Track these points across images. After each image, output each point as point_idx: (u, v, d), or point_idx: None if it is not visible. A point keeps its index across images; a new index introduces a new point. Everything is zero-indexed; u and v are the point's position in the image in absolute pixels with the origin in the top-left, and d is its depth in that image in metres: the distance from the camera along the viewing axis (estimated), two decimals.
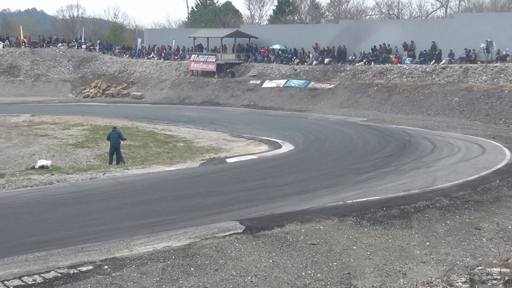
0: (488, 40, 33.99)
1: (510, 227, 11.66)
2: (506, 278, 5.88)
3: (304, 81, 41.29)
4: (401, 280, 8.84)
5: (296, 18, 68.06)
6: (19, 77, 51.91)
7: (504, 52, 33.63)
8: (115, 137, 20.09)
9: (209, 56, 48.04)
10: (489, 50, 34.23)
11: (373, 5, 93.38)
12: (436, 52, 36.92)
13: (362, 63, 40.33)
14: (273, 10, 70.24)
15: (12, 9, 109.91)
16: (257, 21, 73.89)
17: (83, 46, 57.28)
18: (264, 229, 11.03)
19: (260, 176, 16.83)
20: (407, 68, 37.21)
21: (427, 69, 35.94)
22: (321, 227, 11.29)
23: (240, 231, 10.91)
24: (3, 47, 54.70)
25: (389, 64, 38.62)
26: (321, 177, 16.52)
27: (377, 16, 65.71)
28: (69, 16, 79.53)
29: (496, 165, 18.09)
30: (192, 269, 9.03)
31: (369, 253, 9.95)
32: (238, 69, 46.84)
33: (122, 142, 20.82)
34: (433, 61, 36.57)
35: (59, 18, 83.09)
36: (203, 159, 20.13)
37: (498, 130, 26.70)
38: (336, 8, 70.35)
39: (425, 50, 37.73)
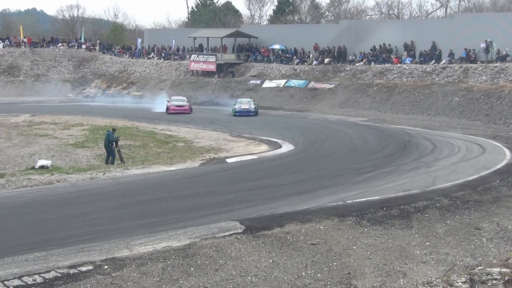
0: (488, 40, 34.00)
1: (510, 227, 11.65)
2: (506, 278, 5.88)
3: (304, 81, 41.30)
4: (401, 280, 8.84)
5: (296, 18, 68.04)
6: (19, 77, 51.93)
7: (504, 52, 33.64)
8: (105, 139, 20.44)
9: (209, 56, 48.05)
10: (489, 50, 34.24)
11: (373, 5, 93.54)
12: (436, 52, 36.93)
13: (362, 63, 40.34)
14: (273, 10, 70.31)
15: (12, 9, 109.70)
16: (257, 21, 73.89)
17: (83, 46, 57.30)
18: (264, 229, 11.02)
19: (260, 176, 16.83)
20: (407, 68, 37.21)
21: (427, 69, 35.95)
22: (321, 227, 11.28)
23: (240, 231, 10.91)
24: (3, 47, 54.72)
25: (389, 64, 38.64)
26: (321, 177, 16.51)
27: (377, 16, 65.70)
28: (69, 16, 79.48)
29: (496, 165, 18.07)
30: (192, 269, 9.03)
31: (369, 253, 9.95)
32: (238, 69, 46.85)
33: (121, 142, 21.02)
34: (433, 61, 36.59)
35: (59, 18, 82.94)
36: (203, 159, 20.13)
37: (498, 130, 26.70)
38: (336, 8, 70.32)
39: (425, 50, 37.74)
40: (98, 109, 39.98)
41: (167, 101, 37.89)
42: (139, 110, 38.47)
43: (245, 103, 35.65)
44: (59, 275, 8.72)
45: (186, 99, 38.37)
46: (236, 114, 34.78)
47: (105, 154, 20.74)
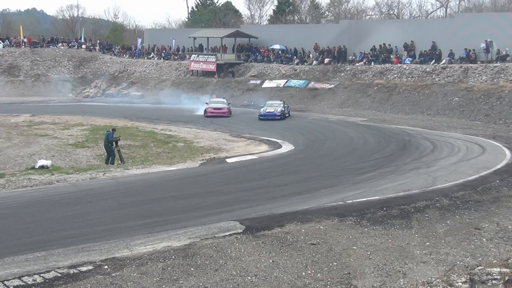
0: (488, 40, 34.00)
1: (510, 227, 11.65)
2: (506, 278, 5.89)
3: (304, 81, 41.30)
4: (401, 280, 8.84)
5: (296, 18, 68.05)
6: (19, 77, 51.93)
7: (504, 52, 33.64)
8: (105, 139, 20.51)
9: (209, 56, 48.04)
10: (489, 50, 34.24)
11: (373, 5, 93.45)
12: (436, 52, 36.94)
13: (362, 63, 40.34)
14: (273, 10, 70.31)
15: (12, 9, 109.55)
16: (257, 21, 73.88)
17: (83, 46, 57.29)
18: (264, 229, 11.02)
19: (260, 176, 16.83)
20: (407, 68, 37.21)
21: (427, 69, 35.95)
22: (321, 227, 11.28)
23: (240, 231, 10.91)
24: (3, 47, 54.70)
25: (389, 64, 38.64)
26: (321, 177, 16.52)
27: (377, 16, 65.70)
28: (69, 16, 79.44)
29: (496, 165, 18.08)
30: (192, 269, 9.03)
31: (369, 253, 9.95)
32: (238, 69, 46.84)
33: (121, 143, 21.04)
34: (433, 61, 36.59)
35: (59, 18, 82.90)
36: (203, 159, 20.14)
37: (498, 130, 26.71)
38: (336, 8, 70.32)
39: (425, 50, 37.74)
40: (99, 109, 39.98)
41: (206, 103, 35.56)
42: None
43: (273, 106, 32.50)
44: (59, 275, 8.71)
45: (225, 101, 35.53)
46: (261, 118, 31.86)
47: (105, 154, 20.75)
